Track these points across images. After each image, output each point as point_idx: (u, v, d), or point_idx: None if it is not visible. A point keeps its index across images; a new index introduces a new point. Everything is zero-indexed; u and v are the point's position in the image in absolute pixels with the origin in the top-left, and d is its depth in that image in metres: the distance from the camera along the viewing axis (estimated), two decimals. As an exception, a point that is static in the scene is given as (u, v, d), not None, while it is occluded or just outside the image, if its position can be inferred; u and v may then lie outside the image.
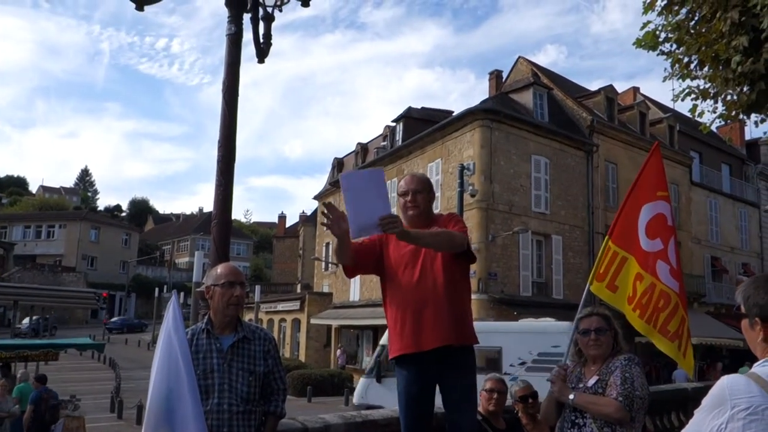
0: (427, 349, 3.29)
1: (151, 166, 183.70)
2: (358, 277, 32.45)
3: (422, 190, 3.58)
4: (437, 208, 26.24)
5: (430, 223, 3.55)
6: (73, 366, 29.12)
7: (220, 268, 3.30)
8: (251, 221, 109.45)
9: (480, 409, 4.00)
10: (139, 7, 4.66)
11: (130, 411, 17.38)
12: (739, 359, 24.48)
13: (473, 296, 12.07)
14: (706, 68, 7.16)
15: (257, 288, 26.02)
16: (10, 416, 10.86)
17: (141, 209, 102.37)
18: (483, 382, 4.08)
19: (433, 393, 3.45)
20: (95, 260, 62.85)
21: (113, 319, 54.44)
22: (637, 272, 3.74)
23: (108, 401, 19.61)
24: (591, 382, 3.19)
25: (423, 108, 33.75)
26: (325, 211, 3.09)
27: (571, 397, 3.13)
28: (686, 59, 7.31)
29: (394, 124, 32.93)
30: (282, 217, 74.51)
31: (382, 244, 3.52)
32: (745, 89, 6.85)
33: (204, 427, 2.82)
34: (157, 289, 46.44)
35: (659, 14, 7.39)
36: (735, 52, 6.33)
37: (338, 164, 42.32)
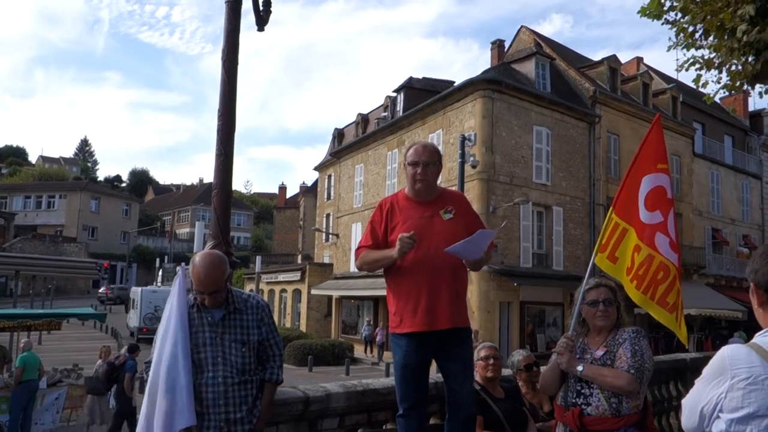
0: (441, 328, 3.31)
1: (151, 137, 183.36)
2: (358, 248, 32.58)
3: (432, 162, 3.54)
4: (438, 180, 26.16)
5: (436, 197, 3.55)
6: (76, 336, 29.30)
7: (196, 269, 3.12)
8: (252, 192, 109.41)
9: (477, 378, 4.03)
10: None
11: (133, 380, 17.49)
12: (738, 330, 24.71)
13: (473, 267, 11.92)
14: (711, 37, 7.07)
15: (258, 259, 26.06)
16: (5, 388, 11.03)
17: (141, 180, 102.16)
18: (476, 352, 4.10)
19: (429, 365, 3.46)
20: (96, 230, 62.95)
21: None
22: (636, 243, 3.75)
23: (111, 370, 19.74)
24: (599, 353, 3.18)
25: (424, 78, 33.45)
26: (410, 241, 3.24)
27: (580, 368, 3.11)
28: (691, 28, 7.21)
29: (395, 94, 32.65)
30: (282, 188, 74.58)
31: (387, 233, 3.49)
32: (750, 59, 6.77)
33: (190, 399, 2.94)
34: (158, 260, 46.55)
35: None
36: (741, 21, 6.24)
37: (339, 134, 42.13)
